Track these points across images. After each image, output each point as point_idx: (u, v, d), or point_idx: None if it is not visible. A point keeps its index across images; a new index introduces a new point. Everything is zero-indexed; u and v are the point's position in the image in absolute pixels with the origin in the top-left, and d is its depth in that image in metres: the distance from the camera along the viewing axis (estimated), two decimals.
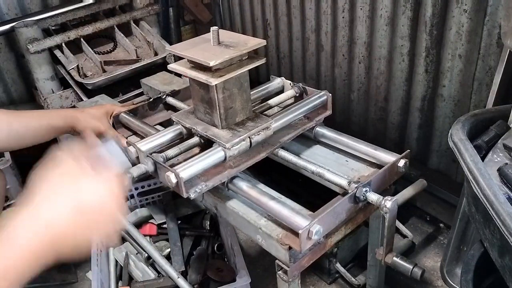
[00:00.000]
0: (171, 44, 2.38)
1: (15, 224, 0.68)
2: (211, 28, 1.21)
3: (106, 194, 0.76)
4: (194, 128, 1.28)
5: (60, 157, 0.76)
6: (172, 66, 1.26)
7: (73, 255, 0.73)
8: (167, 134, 1.30)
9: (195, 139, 1.28)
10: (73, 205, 0.72)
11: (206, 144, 1.26)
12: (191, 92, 1.31)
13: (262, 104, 1.40)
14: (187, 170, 1.12)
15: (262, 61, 1.23)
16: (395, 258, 1.19)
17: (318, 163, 1.29)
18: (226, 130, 1.24)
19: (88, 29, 2.24)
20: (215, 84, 1.16)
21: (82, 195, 0.73)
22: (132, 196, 2.02)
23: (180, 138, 1.32)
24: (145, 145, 1.25)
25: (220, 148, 1.18)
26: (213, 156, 1.17)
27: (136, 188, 1.98)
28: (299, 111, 1.34)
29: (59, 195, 0.72)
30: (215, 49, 1.19)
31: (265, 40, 1.25)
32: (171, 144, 1.30)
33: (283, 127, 1.32)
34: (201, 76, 1.16)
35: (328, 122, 1.41)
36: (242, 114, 1.29)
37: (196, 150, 1.29)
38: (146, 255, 1.72)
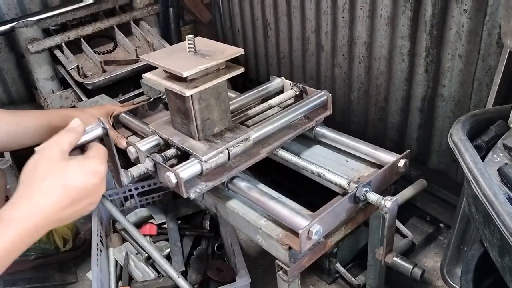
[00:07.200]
0: (171, 44, 2.38)
1: (11, 208, 0.77)
2: (186, 36, 1.17)
3: (89, 176, 0.85)
4: (171, 139, 1.25)
5: (46, 146, 0.86)
6: (146, 75, 1.21)
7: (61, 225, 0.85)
8: (146, 144, 1.27)
9: (172, 150, 1.25)
10: (60, 189, 0.81)
11: (183, 155, 1.22)
12: (167, 102, 1.28)
13: (241, 115, 1.37)
14: (187, 170, 1.12)
15: (240, 71, 1.19)
16: (395, 258, 1.19)
17: (318, 163, 1.29)
18: (203, 141, 1.20)
19: (88, 29, 2.24)
20: (191, 95, 1.13)
21: (68, 178, 0.82)
22: (132, 196, 2.02)
23: (158, 149, 1.29)
24: (145, 145, 1.25)
25: (196, 161, 1.15)
26: (189, 169, 1.13)
27: (136, 188, 1.98)
28: (299, 111, 1.34)
29: (47, 181, 0.81)
30: (190, 58, 1.15)
31: (243, 49, 1.19)
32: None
33: (283, 127, 1.31)
34: (176, 87, 1.12)
35: (328, 122, 1.41)
36: (221, 125, 1.25)
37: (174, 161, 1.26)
38: (146, 255, 1.72)
